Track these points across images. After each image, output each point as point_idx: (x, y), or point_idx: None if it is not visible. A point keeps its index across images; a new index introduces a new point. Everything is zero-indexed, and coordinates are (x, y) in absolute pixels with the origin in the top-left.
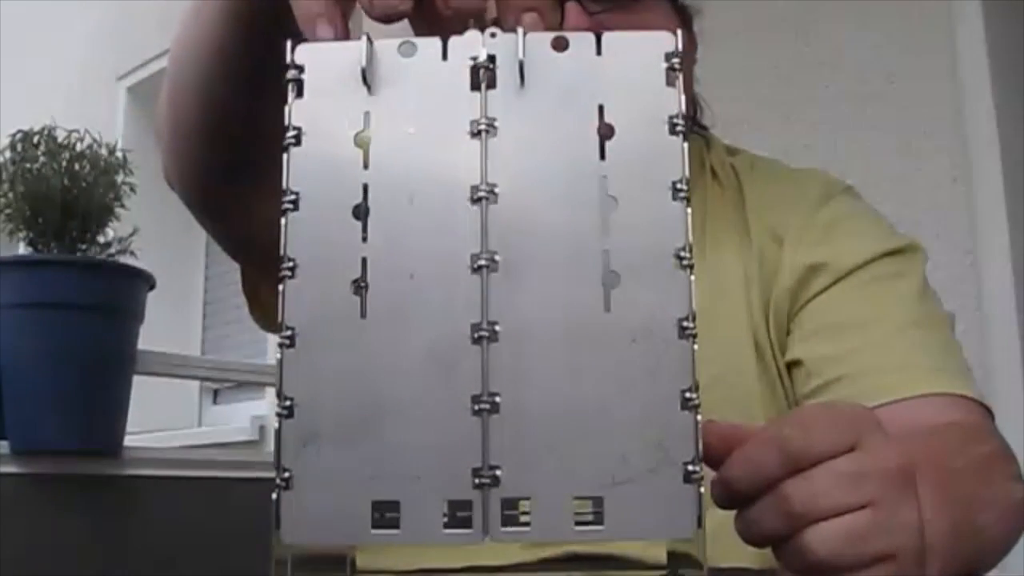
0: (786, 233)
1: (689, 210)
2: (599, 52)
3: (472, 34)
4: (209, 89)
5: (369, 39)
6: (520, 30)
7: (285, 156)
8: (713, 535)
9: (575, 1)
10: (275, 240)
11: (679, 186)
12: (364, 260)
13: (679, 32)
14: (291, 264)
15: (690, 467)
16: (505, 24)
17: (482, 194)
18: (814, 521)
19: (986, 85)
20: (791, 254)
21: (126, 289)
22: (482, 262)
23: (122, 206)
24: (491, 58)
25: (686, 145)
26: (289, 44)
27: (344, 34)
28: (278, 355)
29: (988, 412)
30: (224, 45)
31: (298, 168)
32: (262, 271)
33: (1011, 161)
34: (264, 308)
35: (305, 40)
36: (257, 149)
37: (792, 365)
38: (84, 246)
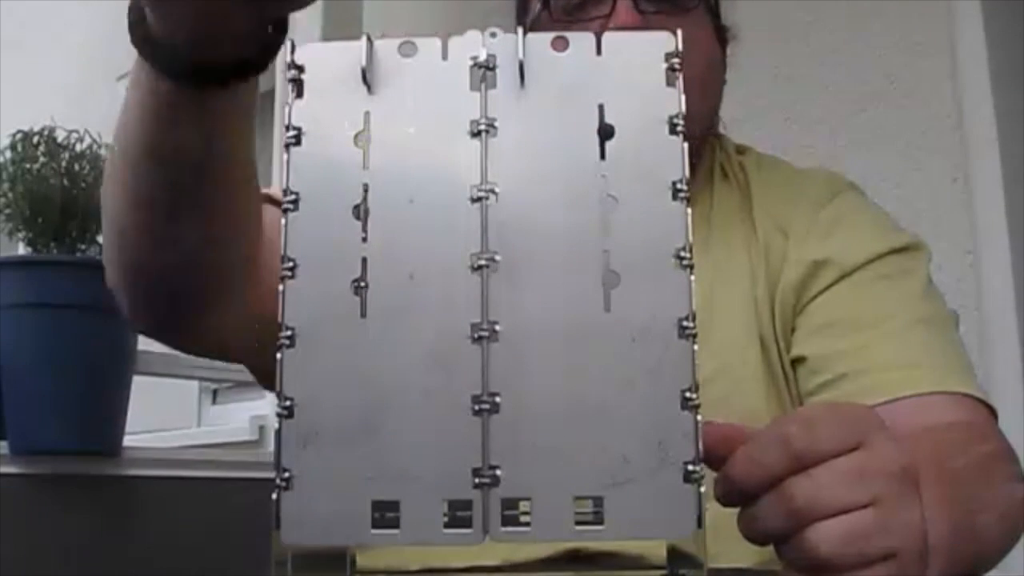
0: (791, 227)
1: (689, 210)
2: (599, 52)
3: (472, 34)
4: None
5: (369, 39)
6: (520, 30)
7: (285, 156)
8: (711, 532)
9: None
10: (245, 344)
11: (679, 186)
12: (364, 260)
13: (679, 32)
14: (291, 264)
15: (690, 467)
16: None
17: (482, 194)
18: (817, 519)
19: (986, 85)
20: (796, 248)
21: None
22: (482, 262)
23: None
24: (491, 58)
25: (686, 145)
26: (289, 44)
27: None
28: (278, 355)
29: (991, 411)
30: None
31: (298, 168)
32: (244, 361)
33: (1011, 161)
34: (259, 372)
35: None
36: (198, 281)
37: (797, 362)
38: (84, 246)
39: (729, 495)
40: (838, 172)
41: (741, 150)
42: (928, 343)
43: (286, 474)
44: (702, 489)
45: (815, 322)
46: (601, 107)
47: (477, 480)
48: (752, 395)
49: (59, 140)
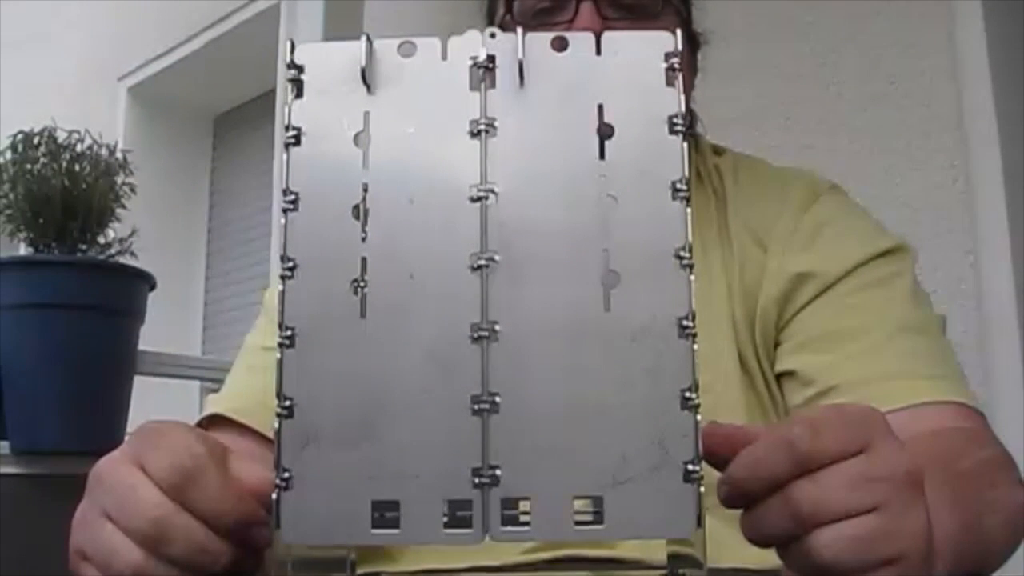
0: (770, 238)
1: (689, 210)
2: (599, 52)
3: (472, 34)
4: None
5: (369, 39)
6: (520, 30)
7: (285, 156)
8: (710, 531)
9: (591, 3)
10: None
11: (679, 186)
12: (364, 260)
13: (678, 32)
14: (291, 264)
15: (690, 466)
16: None
17: (482, 194)
18: (821, 524)
19: (986, 85)
20: (777, 260)
21: (126, 289)
22: (482, 262)
23: (122, 206)
24: (491, 58)
25: (685, 145)
26: (289, 44)
27: None
28: (278, 355)
29: (983, 417)
30: None
31: (297, 168)
32: None
33: (1011, 161)
34: None
35: None
36: None
37: (784, 376)
38: (85, 247)
39: (732, 497)
40: (817, 174)
41: (718, 151)
42: (918, 352)
43: (286, 474)
44: (701, 489)
45: (802, 336)
46: (600, 107)
47: (477, 480)
48: (733, 411)
49: (60, 140)
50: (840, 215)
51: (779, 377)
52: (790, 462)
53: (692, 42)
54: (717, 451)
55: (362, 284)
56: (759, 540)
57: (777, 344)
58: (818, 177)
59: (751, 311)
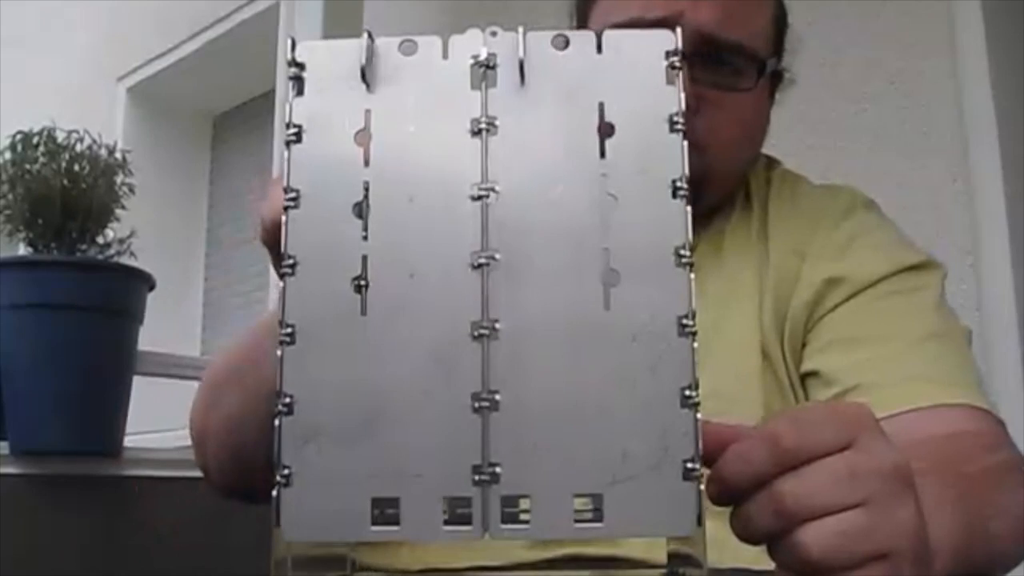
0: (807, 248)
1: (689, 208)
2: (599, 50)
3: (473, 32)
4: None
5: (370, 36)
6: (520, 28)
7: (286, 154)
8: (710, 531)
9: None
10: None
11: (679, 184)
12: (364, 258)
13: (678, 31)
14: (291, 262)
15: (690, 465)
16: None
17: (482, 192)
18: (807, 520)
19: (986, 85)
20: (811, 268)
21: (126, 290)
22: (482, 260)
23: (122, 207)
24: (492, 56)
25: (686, 143)
26: (290, 42)
27: None
28: (278, 353)
29: (1002, 424)
30: None
31: (299, 166)
32: None
33: (1011, 161)
34: None
35: None
36: None
37: (808, 376)
38: (84, 247)
39: (720, 494)
40: (857, 189)
41: (771, 164)
42: (940, 358)
43: (286, 471)
44: (701, 487)
45: (827, 337)
46: (601, 105)
47: (477, 477)
48: (753, 411)
49: (59, 141)
50: (873, 230)
51: (804, 377)
52: (774, 458)
53: (773, 83)
54: (710, 450)
55: (363, 282)
56: (748, 537)
57: (804, 345)
58: (856, 193)
59: (781, 316)
